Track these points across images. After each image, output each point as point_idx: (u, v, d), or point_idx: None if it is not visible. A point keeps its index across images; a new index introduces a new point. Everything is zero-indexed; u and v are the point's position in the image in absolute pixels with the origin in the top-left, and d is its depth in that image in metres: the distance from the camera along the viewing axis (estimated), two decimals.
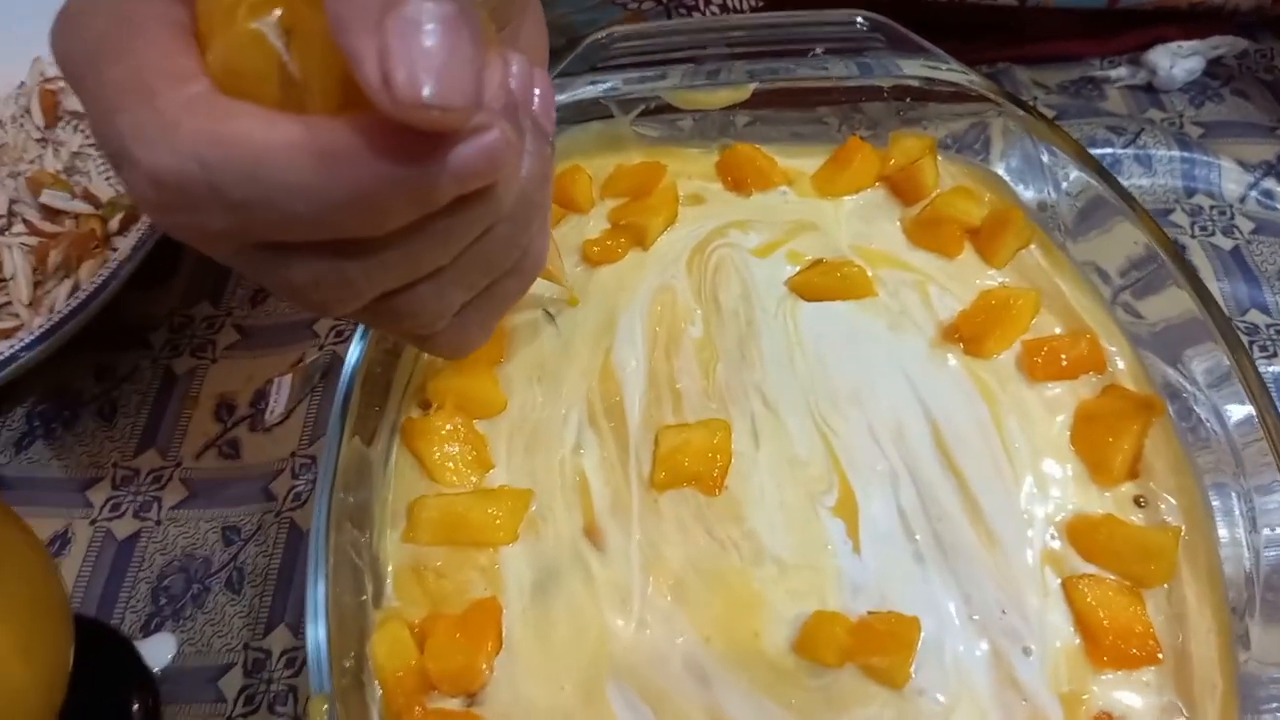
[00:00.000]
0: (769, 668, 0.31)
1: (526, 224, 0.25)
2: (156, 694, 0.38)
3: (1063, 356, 0.37)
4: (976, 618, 0.32)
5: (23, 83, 0.55)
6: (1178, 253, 0.37)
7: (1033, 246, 0.40)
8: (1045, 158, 0.42)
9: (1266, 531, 0.32)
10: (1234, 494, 0.33)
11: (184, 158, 0.19)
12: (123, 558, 0.41)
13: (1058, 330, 0.38)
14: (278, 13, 0.20)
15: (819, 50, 0.43)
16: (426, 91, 0.18)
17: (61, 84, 0.54)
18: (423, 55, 0.18)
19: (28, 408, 0.46)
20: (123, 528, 0.42)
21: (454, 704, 0.31)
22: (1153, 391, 0.36)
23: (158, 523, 0.41)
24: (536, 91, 0.24)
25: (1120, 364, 0.37)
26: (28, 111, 0.53)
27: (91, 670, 0.39)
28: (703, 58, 0.43)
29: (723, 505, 0.35)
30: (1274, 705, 0.30)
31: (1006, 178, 0.43)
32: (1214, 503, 0.34)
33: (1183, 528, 0.33)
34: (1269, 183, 0.51)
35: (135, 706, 0.39)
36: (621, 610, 0.33)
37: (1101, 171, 0.40)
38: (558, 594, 0.33)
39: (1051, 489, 0.34)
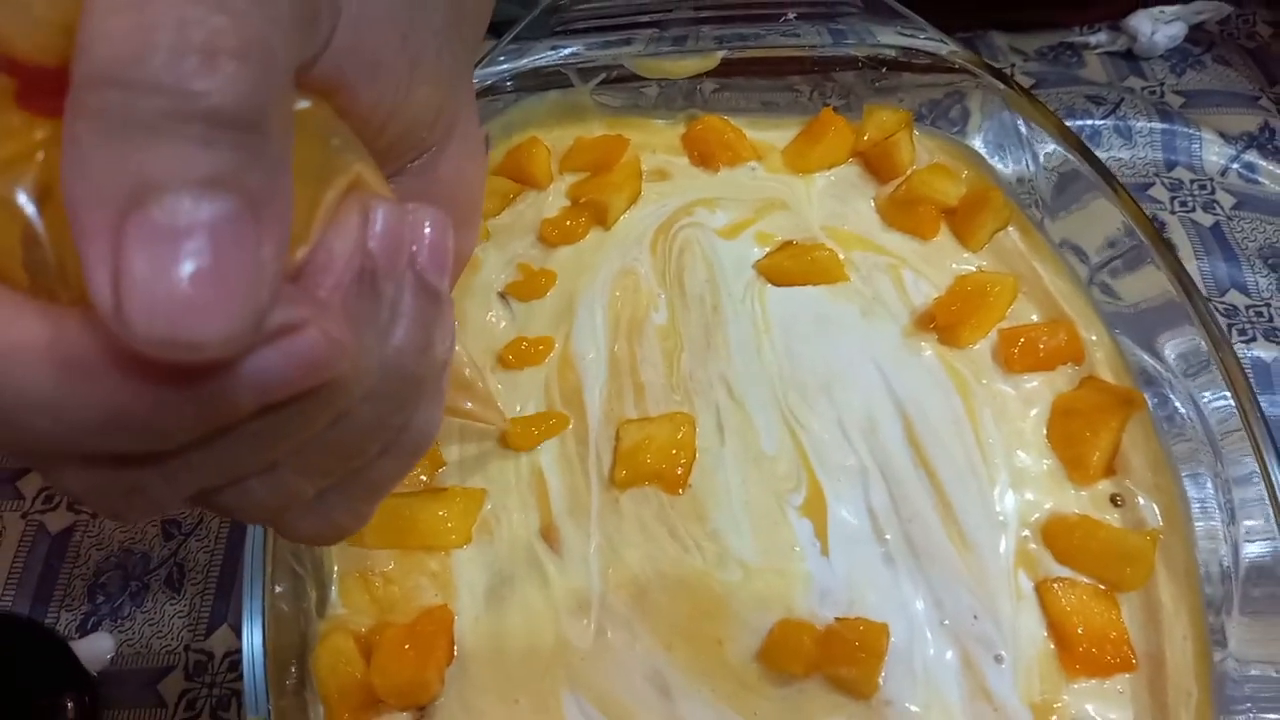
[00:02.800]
0: (732, 678, 0.30)
1: (400, 403, 0.21)
2: (95, 696, 0.37)
3: (1040, 346, 0.35)
4: (947, 623, 0.31)
5: None
6: (1157, 232, 0.36)
7: (1010, 228, 0.39)
8: (1023, 130, 0.40)
9: (1245, 523, 0.31)
10: (1211, 484, 0.33)
11: None
12: (56, 553, 0.39)
13: (1035, 318, 0.37)
14: (31, 173, 0.15)
15: (791, 15, 0.41)
16: (165, 332, 0.14)
17: None
18: (168, 282, 0.14)
19: None
20: (56, 521, 0.39)
21: (402, 719, 0.30)
22: (1131, 383, 0.35)
23: (93, 516, 0.39)
24: (426, 241, 0.20)
25: (1098, 354, 0.36)
26: None
27: (26, 671, 0.37)
28: (668, 23, 0.41)
29: (686, 505, 0.33)
30: (1248, 706, 0.29)
31: (984, 151, 0.41)
32: (1191, 494, 0.33)
33: (1160, 530, 0.32)
34: (1251, 155, 0.50)
35: (71, 708, 0.37)
36: (579, 617, 0.31)
37: (1080, 147, 0.38)
38: (512, 600, 0.31)
39: (1026, 487, 0.33)
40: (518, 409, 0.35)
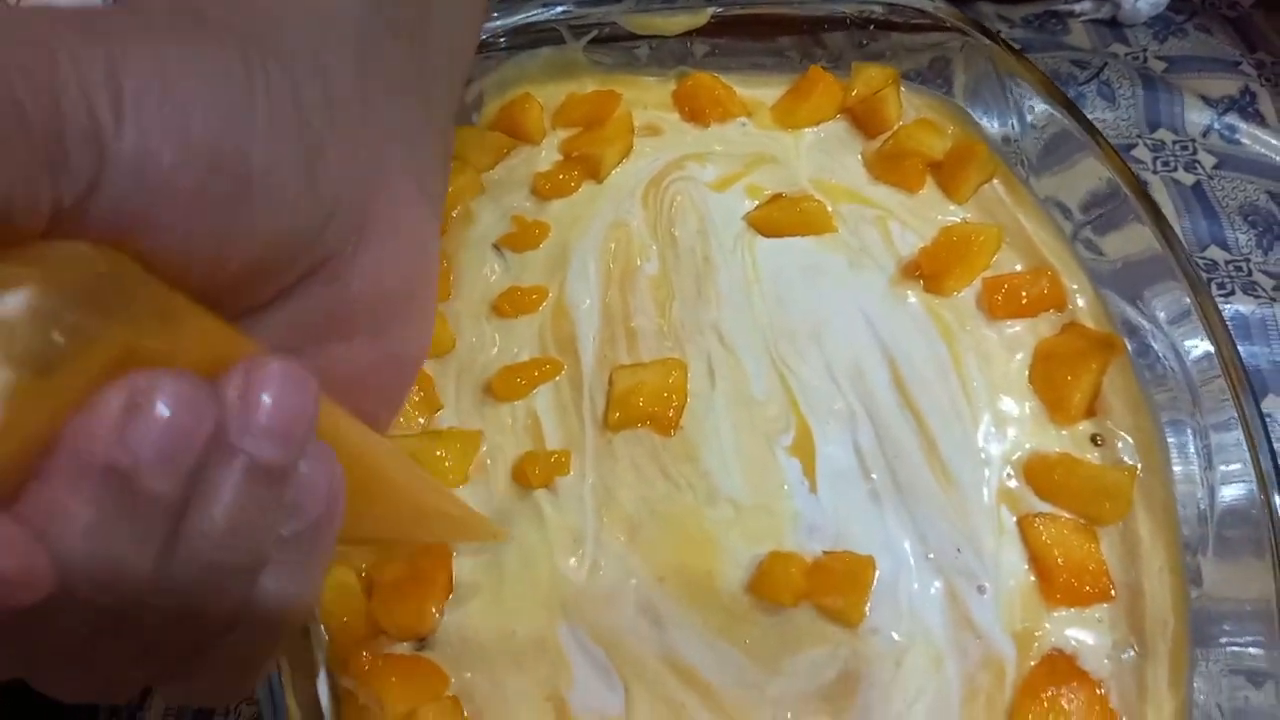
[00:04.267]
0: (723, 609, 0.31)
1: (217, 588, 0.19)
2: None
3: (1023, 294, 0.36)
4: (932, 556, 0.32)
5: None
6: (1141, 188, 0.37)
7: (995, 181, 0.39)
8: (1010, 90, 0.41)
9: (1222, 468, 0.32)
10: (1190, 431, 0.33)
11: None
12: None
13: (1018, 267, 0.38)
14: None
15: None
16: None
17: None
18: None
19: None
20: None
21: (403, 649, 0.30)
22: (1113, 330, 0.36)
23: None
24: (264, 410, 0.18)
25: (1080, 301, 0.37)
26: None
27: None
28: None
29: (678, 446, 0.34)
30: (1224, 641, 0.30)
31: (970, 110, 0.42)
32: (1170, 439, 0.34)
33: (1138, 466, 0.33)
34: (1231, 117, 0.50)
35: None
36: (574, 553, 0.32)
37: (1068, 104, 0.39)
38: (509, 537, 0.32)
39: (1009, 427, 0.34)
40: (515, 352, 0.36)
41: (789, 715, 0.29)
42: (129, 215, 0.18)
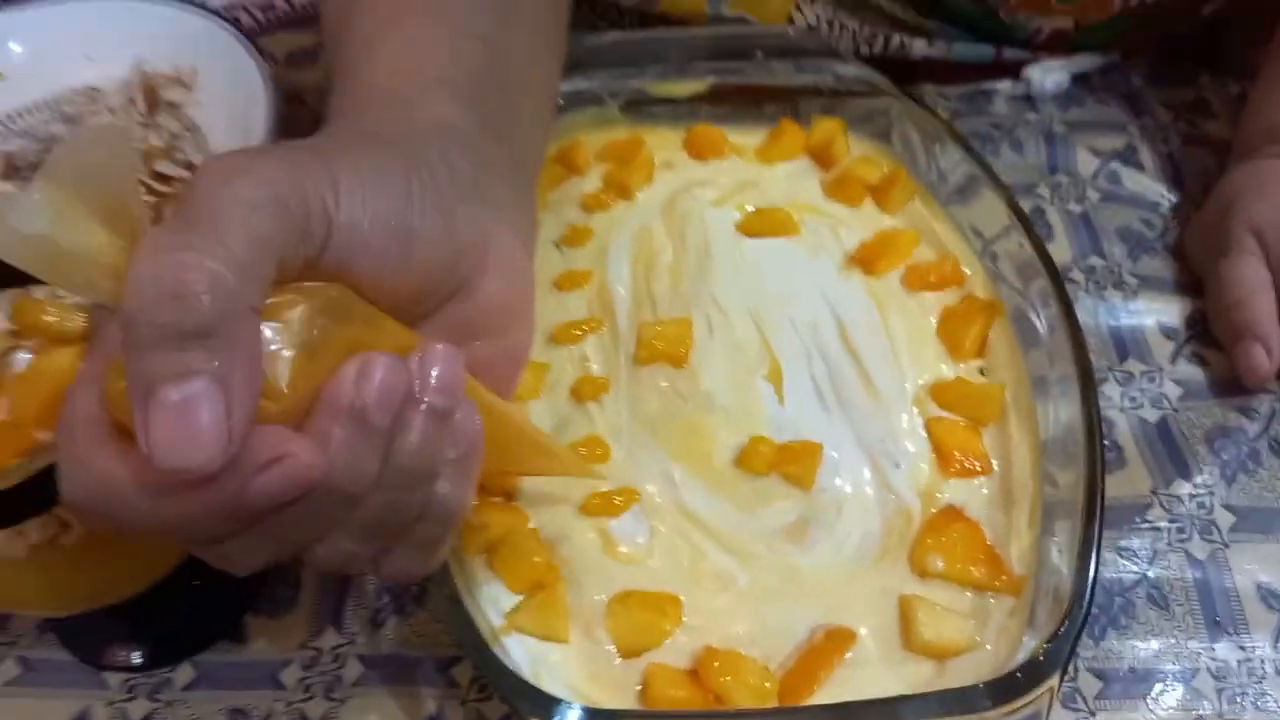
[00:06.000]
0: (717, 475, 0.44)
1: (406, 490, 0.28)
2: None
3: (933, 275, 0.50)
4: (863, 444, 0.45)
5: (127, 78, 0.68)
6: (1023, 214, 0.49)
7: (917, 200, 0.54)
8: (934, 143, 0.55)
9: (1063, 401, 0.44)
10: (1049, 381, 0.45)
11: (75, 489, 0.25)
12: None
13: (931, 257, 0.52)
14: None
15: (759, 55, 0.57)
16: (170, 461, 0.22)
17: (160, 79, 0.67)
18: (165, 430, 0.22)
19: None
20: (137, 709, 0.45)
21: (495, 501, 0.44)
22: (998, 298, 0.50)
23: (168, 704, 0.45)
24: (434, 375, 0.27)
25: (975, 281, 0.51)
26: (133, 101, 0.66)
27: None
28: (671, 59, 0.57)
29: (686, 374, 0.47)
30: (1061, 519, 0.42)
31: (904, 154, 0.57)
32: (1036, 387, 0.46)
33: (1007, 385, 0.46)
34: (1115, 164, 0.65)
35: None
36: (616, 442, 0.45)
37: (971, 151, 0.53)
38: (568, 433, 0.46)
39: (921, 363, 0.48)
40: (571, 314, 0.50)
41: (763, 544, 0.43)
42: (345, 262, 0.27)
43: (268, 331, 0.25)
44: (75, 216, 0.23)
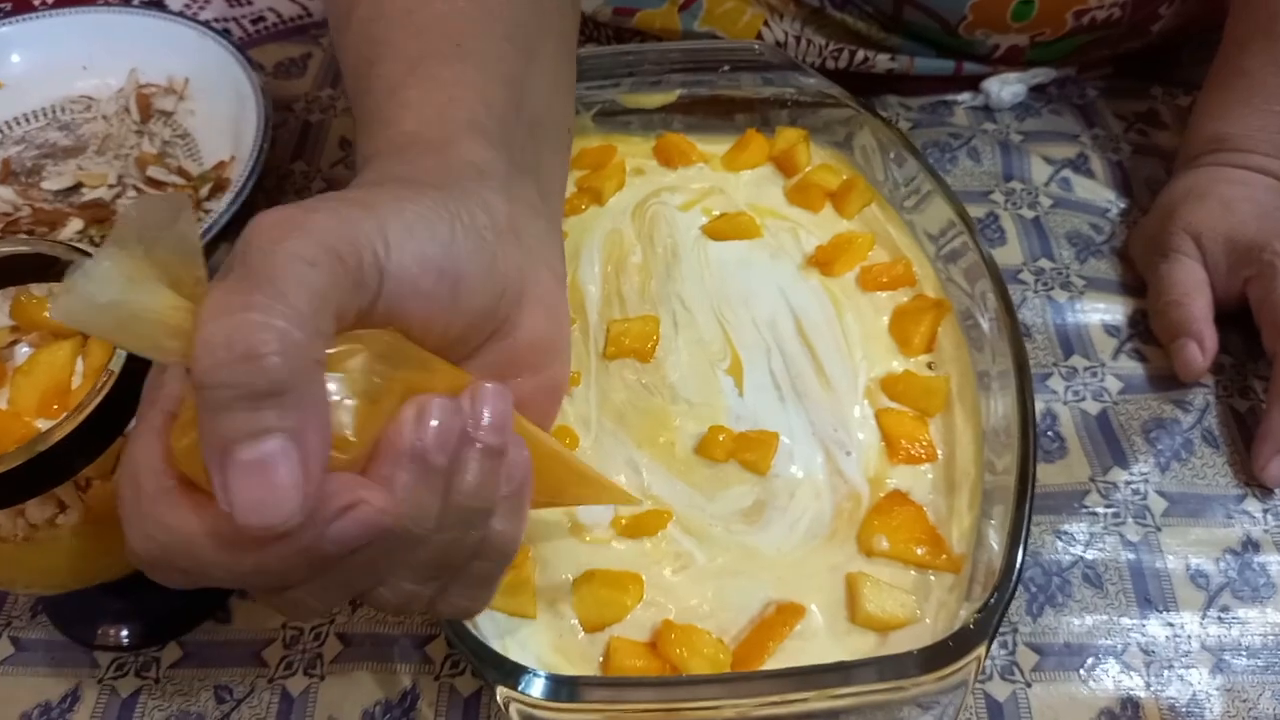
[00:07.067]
0: (679, 462, 0.47)
1: (464, 529, 0.28)
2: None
3: (886, 276, 0.53)
4: (816, 433, 0.48)
5: (121, 88, 0.70)
6: (972, 223, 0.52)
7: (874, 205, 0.57)
8: (891, 153, 0.58)
9: (1004, 398, 0.47)
10: (991, 376, 0.48)
11: (147, 539, 0.25)
12: (125, 716, 0.46)
13: (886, 260, 0.55)
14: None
15: (726, 68, 0.60)
16: (252, 519, 0.23)
17: (154, 88, 0.70)
18: (246, 490, 0.23)
19: None
20: (126, 686, 0.47)
21: None
22: (946, 299, 0.53)
23: (155, 680, 0.47)
24: (485, 414, 0.28)
25: (926, 283, 0.54)
26: (127, 109, 0.69)
27: None
28: (643, 72, 0.60)
29: (652, 368, 0.50)
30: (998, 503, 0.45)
31: (864, 163, 0.60)
32: (980, 381, 0.49)
33: (952, 377, 0.49)
34: (1067, 172, 0.68)
35: None
36: (584, 431, 0.48)
37: (922, 160, 0.56)
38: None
39: (874, 358, 0.51)
40: None
41: (721, 525, 0.45)
42: (396, 309, 0.27)
43: (331, 383, 0.25)
44: (142, 279, 0.23)
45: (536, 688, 0.37)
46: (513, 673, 0.37)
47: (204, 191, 0.63)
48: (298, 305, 0.23)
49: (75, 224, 0.61)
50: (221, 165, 0.65)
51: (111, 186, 0.64)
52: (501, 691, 0.37)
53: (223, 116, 0.67)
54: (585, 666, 0.42)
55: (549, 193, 0.38)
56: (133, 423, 0.28)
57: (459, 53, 0.36)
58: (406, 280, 0.27)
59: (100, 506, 0.41)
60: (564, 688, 0.37)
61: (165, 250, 0.24)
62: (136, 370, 0.39)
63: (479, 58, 0.36)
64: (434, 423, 0.26)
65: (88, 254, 0.32)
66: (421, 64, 0.35)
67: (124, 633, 0.49)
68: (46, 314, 0.44)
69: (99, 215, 0.62)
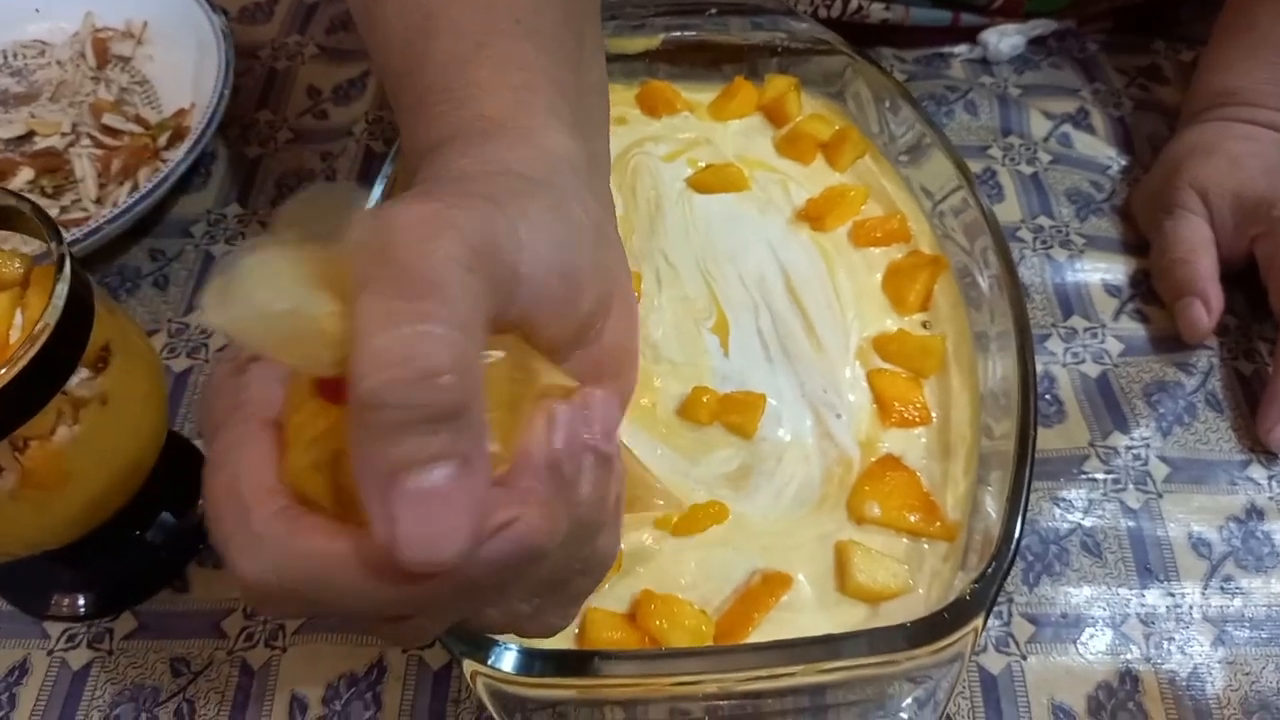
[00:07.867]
0: (661, 425, 0.45)
1: (580, 544, 0.26)
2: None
3: (879, 231, 0.51)
4: (806, 395, 0.46)
5: (76, 32, 0.67)
6: (970, 174, 0.50)
7: (868, 157, 0.54)
8: (886, 103, 0.56)
9: (1003, 359, 0.45)
10: (990, 336, 0.46)
11: (265, 568, 0.22)
12: (76, 688, 0.44)
13: (880, 214, 0.52)
14: (332, 444, 0.22)
15: (713, 11, 0.57)
16: (419, 555, 0.20)
17: (111, 32, 0.66)
18: (416, 523, 0.20)
19: None
20: (77, 658, 0.45)
21: None
22: (943, 255, 0.50)
23: (109, 653, 0.45)
24: (598, 422, 0.25)
25: (922, 238, 0.51)
26: (83, 55, 0.65)
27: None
28: (625, 15, 0.57)
29: None
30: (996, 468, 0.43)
31: (858, 114, 0.57)
32: (978, 341, 0.47)
33: (948, 336, 0.47)
34: (1067, 127, 0.66)
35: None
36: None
37: (919, 110, 0.54)
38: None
39: (867, 317, 0.48)
40: None
41: (705, 491, 0.43)
42: (528, 313, 0.25)
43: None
44: (300, 283, 0.21)
45: (507, 661, 0.35)
46: (482, 645, 0.35)
47: (162, 140, 0.60)
48: (465, 315, 0.21)
49: (26, 173, 0.58)
50: (181, 113, 0.62)
51: (65, 135, 0.61)
52: (469, 665, 0.34)
53: (183, 63, 0.64)
54: (559, 639, 0.39)
55: (603, 170, 0.37)
56: (220, 429, 0.24)
57: (521, 30, 0.33)
58: (538, 283, 0.25)
59: (40, 470, 0.38)
60: (536, 661, 0.35)
61: (322, 249, 0.21)
62: (76, 322, 0.37)
63: (544, 37, 0.34)
64: (564, 429, 0.24)
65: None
66: (489, 41, 0.33)
67: (80, 601, 0.47)
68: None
69: (51, 164, 0.59)
